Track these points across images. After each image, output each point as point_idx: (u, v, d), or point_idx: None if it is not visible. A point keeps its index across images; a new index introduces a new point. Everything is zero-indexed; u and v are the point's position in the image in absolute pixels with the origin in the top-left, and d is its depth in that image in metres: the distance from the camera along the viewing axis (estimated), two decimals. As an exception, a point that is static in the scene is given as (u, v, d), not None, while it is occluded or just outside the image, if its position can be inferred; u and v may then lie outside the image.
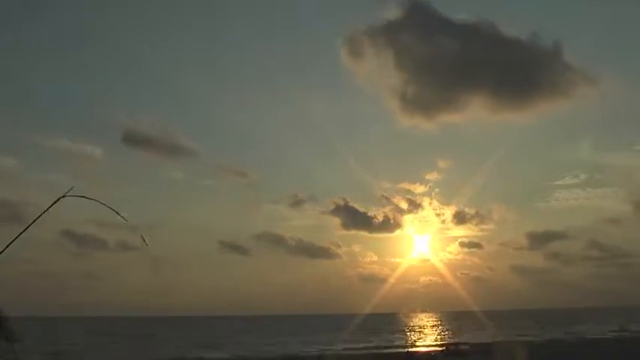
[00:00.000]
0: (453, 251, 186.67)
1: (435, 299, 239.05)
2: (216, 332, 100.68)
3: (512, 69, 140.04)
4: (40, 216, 6.11)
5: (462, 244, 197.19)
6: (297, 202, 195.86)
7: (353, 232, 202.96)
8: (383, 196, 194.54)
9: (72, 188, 5.96)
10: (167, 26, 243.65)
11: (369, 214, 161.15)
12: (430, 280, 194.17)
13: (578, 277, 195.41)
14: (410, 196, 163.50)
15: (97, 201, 6.21)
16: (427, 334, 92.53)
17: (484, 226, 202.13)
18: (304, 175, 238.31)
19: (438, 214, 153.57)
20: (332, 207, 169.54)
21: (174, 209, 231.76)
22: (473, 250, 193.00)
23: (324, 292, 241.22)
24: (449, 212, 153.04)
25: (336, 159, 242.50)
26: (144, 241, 6.74)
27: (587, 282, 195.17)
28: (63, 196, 5.95)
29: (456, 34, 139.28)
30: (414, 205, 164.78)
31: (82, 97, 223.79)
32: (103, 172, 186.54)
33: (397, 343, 71.96)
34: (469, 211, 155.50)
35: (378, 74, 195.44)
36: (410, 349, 59.62)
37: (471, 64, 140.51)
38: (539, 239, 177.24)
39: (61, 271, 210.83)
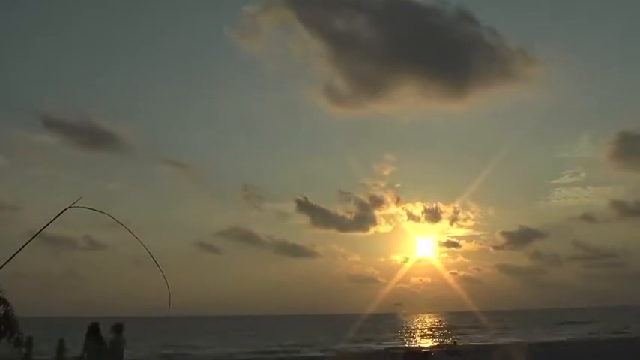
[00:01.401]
0: (436, 250, 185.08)
1: (422, 299, 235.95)
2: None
3: (438, 51, 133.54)
4: (46, 226, 6.01)
5: (441, 244, 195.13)
6: (248, 197, 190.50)
7: (323, 230, 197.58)
8: (342, 192, 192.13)
9: (80, 198, 5.75)
10: (99, 16, 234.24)
11: (336, 212, 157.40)
12: (420, 280, 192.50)
13: (565, 277, 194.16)
14: (371, 192, 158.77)
15: (107, 214, 6.10)
16: (409, 335, 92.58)
17: (461, 223, 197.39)
18: (249, 170, 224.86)
19: (405, 210, 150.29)
20: (294, 205, 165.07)
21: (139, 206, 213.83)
22: (452, 248, 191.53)
23: (303, 290, 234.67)
24: (419, 210, 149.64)
25: (278, 153, 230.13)
26: (141, 244, 6.75)
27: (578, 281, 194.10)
28: (69, 207, 5.75)
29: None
30: (378, 202, 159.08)
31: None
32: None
33: (392, 342, 71.91)
34: (440, 207, 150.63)
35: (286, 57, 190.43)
36: (409, 349, 59.63)
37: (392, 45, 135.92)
38: (516, 238, 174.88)
39: (42, 271, 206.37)
